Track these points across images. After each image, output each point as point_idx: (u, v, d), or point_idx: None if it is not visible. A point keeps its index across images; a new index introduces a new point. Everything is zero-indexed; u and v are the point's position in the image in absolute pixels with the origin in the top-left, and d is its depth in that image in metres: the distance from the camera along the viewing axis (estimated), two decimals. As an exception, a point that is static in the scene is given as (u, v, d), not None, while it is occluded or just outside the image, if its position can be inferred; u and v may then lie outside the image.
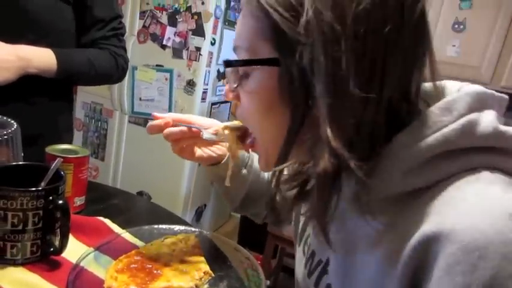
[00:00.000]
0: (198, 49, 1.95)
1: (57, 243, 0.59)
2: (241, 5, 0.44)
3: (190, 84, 2.00)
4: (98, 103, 2.20)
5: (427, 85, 0.43)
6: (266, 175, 0.71)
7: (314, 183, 0.40)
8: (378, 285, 0.39)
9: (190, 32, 1.95)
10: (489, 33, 1.92)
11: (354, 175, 0.37)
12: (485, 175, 0.35)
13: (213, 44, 1.99)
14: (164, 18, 1.99)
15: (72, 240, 0.63)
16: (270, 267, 1.97)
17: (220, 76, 2.16)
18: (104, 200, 0.85)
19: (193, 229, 0.71)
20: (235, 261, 0.63)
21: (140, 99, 2.08)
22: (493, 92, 0.40)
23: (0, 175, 0.58)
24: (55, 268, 0.58)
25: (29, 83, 0.84)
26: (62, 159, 0.64)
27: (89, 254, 0.58)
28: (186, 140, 0.64)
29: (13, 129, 0.68)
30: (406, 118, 0.39)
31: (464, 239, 0.31)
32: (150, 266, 0.59)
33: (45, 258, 0.59)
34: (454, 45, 2.00)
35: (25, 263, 0.57)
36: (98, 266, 0.57)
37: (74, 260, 0.56)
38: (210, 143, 0.66)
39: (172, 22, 1.98)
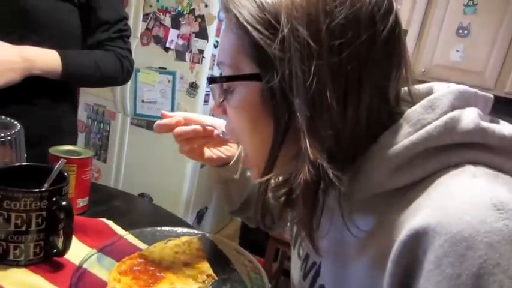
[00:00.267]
0: (201, 52, 1.96)
1: (60, 244, 0.59)
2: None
3: (193, 86, 2.00)
4: (101, 105, 2.20)
5: (416, 88, 0.45)
6: None
7: (299, 192, 0.41)
8: (370, 285, 0.40)
9: (194, 35, 1.96)
10: (493, 39, 1.92)
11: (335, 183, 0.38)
12: (469, 169, 0.36)
13: (216, 46, 1.99)
14: (167, 21, 1.99)
15: (75, 241, 0.62)
16: (271, 270, 1.96)
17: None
18: (106, 202, 0.84)
19: (196, 231, 0.70)
20: (238, 264, 0.63)
21: (143, 101, 2.08)
22: (476, 90, 0.42)
23: (4, 176, 0.58)
24: (58, 270, 0.58)
25: (33, 85, 0.84)
26: (65, 160, 0.64)
27: (92, 255, 0.58)
28: (199, 140, 0.63)
29: (16, 130, 0.68)
30: (387, 121, 0.41)
31: (451, 230, 0.32)
32: (153, 268, 0.59)
33: (48, 260, 0.59)
34: (458, 50, 2.00)
35: (28, 265, 0.57)
36: (100, 268, 0.57)
37: (76, 262, 0.56)
38: (219, 143, 0.65)
39: (176, 24, 1.98)
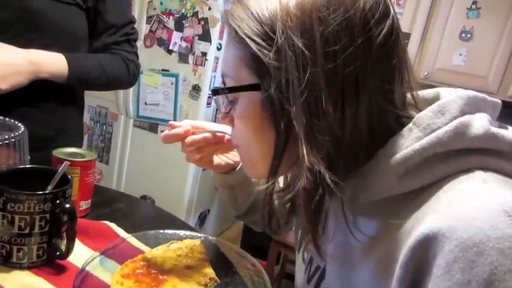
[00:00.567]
0: (204, 54, 1.96)
1: (63, 247, 0.59)
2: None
3: (196, 89, 2.00)
4: (103, 107, 2.21)
5: (421, 93, 0.45)
6: None
7: (301, 199, 0.41)
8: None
9: (197, 37, 1.96)
10: (496, 43, 1.92)
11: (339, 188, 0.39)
12: (479, 174, 0.36)
13: (219, 49, 1.99)
14: (171, 23, 2.00)
15: (78, 244, 0.62)
16: (273, 273, 1.95)
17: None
18: (109, 204, 0.85)
19: (199, 234, 0.70)
20: (241, 267, 0.63)
21: (145, 103, 2.09)
22: (485, 96, 0.42)
23: (7, 178, 0.58)
24: (61, 272, 0.58)
25: (39, 88, 0.85)
26: (69, 163, 0.64)
27: (95, 258, 0.58)
28: (209, 148, 0.62)
29: (20, 132, 0.69)
30: (394, 125, 0.41)
31: (461, 236, 0.31)
32: (156, 271, 0.59)
33: (51, 262, 0.59)
34: (461, 54, 2.00)
35: (31, 267, 0.57)
36: (103, 271, 0.57)
37: (79, 264, 0.56)
38: (227, 149, 0.66)
39: (179, 27, 1.99)
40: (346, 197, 0.40)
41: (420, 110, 0.42)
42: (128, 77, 1.02)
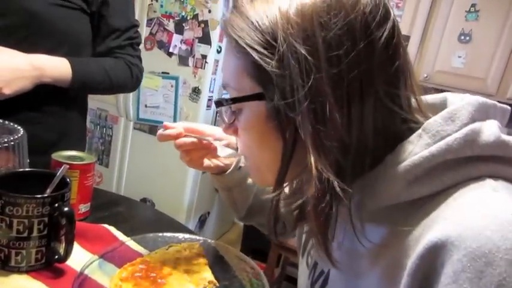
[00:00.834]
0: (204, 57, 1.96)
1: (61, 250, 0.59)
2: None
3: (196, 91, 2.01)
4: (103, 109, 2.21)
5: (428, 98, 0.45)
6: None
7: (310, 204, 0.41)
8: None
9: (197, 40, 1.97)
10: (495, 45, 1.92)
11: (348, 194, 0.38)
12: (489, 183, 0.36)
13: (219, 52, 2.00)
14: (171, 26, 2.00)
15: (76, 247, 0.62)
16: (273, 276, 1.95)
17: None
18: (108, 207, 0.85)
19: (197, 237, 0.70)
20: (240, 270, 0.63)
21: (146, 106, 2.09)
22: (495, 102, 0.41)
23: (6, 181, 0.58)
24: (59, 276, 0.58)
25: (43, 92, 0.85)
26: (67, 166, 0.64)
27: (94, 261, 0.58)
28: (198, 151, 0.66)
29: (19, 135, 0.69)
30: (402, 130, 0.41)
31: (470, 245, 0.31)
32: (155, 274, 0.58)
33: (49, 266, 0.59)
34: (459, 56, 2.00)
35: (29, 271, 0.57)
36: (102, 274, 0.57)
37: (78, 268, 0.56)
38: (216, 154, 0.67)
39: (179, 30, 1.99)
40: (354, 204, 0.40)
41: (425, 114, 0.42)
42: (132, 80, 1.02)
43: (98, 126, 2.25)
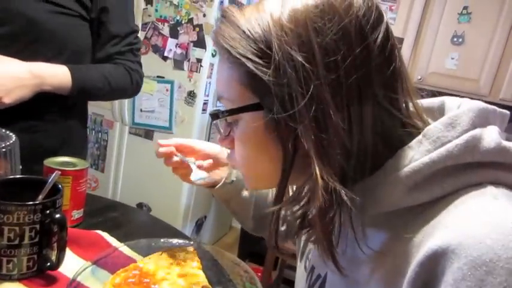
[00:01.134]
0: (199, 61, 1.97)
1: (53, 257, 0.58)
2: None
3: (191, 95, 2.01)
4: (99, 114, 2.21)
5: (425, 101, 0.45)
6: (270, 196, 0.71)
7: (315, 215, 0.40)
8: None
9: (192, 44, 1.97)
10: (487, 47, 1.94)
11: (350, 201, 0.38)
12: (490, 190, 0.36)
13: (214, 55, 2.00)
14: (166, 30, 2.01)
15: (69, 254, 0.62)
16: (270, 279, 1.95)
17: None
18: (102, 213, 0.84)
19: (191, 242, 0.70)
20: (234, 274, 0.63)
21: (141, 110, 2.09)
22: (495, 107, 0.41)
23: (-2, 188, 0.58)
24: (52, 283, 0.57)
25: (42, 100, 0.84)
26: (59, 172, 0.64)
27: (86, 268, 0.57)
28: (184, 169, 0.70)
29: (11, 141, 0.68)
30: (402, 134, 0.40)
31: (471, 253, 0.31)
32: (148, 280, 0.58)
33: (41, 273, 0.58)
34: (453, 58, 2.02)
35: (21, 279, 0.57)
36: (95, 281, 0.56)
37: (70, 275, 0.56)
38: (207, 169, 0.70)
39: (174, 34, 2.00)
40: (355, 210, 0.40)
41: (423, 119, 0.42)
42: (132, 86, 1.01)
43: (93, 131, 2.24)
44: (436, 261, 0.33)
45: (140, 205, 2.13)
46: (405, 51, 2.09)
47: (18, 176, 0.66)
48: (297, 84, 0.37)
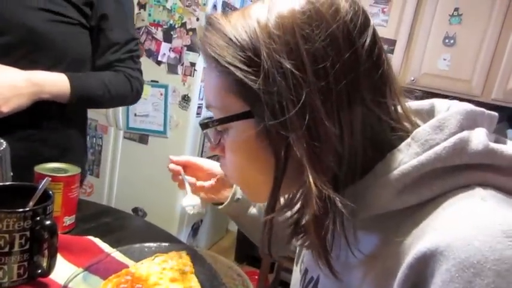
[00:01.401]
0: (193, 64, 1.97)
1: (44, 264, 0.58)
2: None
3: (185, 99, 2.01)
4: (93, 119, 2.20)
5: (414, 104, 0.45)
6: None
7: (309, 222, 0.40)
8: None
9: (185, 48, 1.97)
10: (479, 47, 1.96)
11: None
12: (479, 192, 0.36)
13: (205, 63, 2.00)
14: (159, 34, 2.01)
15: (60, 260, 0.62)
16: (267, 282, 1.94)
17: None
18: (95, 219, 0.84)
19: (184, 246, 0.70)
20: (227, 278, 0.63)
21: (135, 114, 2.08)
22: (483, 109, 0.41)
23: (-12, 196, 0.57)
24: (43, 290, 0.57)
25: (41, 108, 0.84)
26: (50, 179, 0.64)
27: (78, 274, 0.57)
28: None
29: (2, 148, 0.68)
30: (392, 138, 0.41)
31: (459, 255, 0.31)
32: (140, 285, 0.58)
33: (32, 280, 0.58)
34: (445, 59, 2.03)
35: (12, 286, 0.56)
36: (86, 287, 0.56)
37: (62, 281, 0.56)
38: (208, 188, 0.74)
39: (167, 38, 2.00)
40: (346, 213, 0.39)
41: (412, 122, 0.42)
42: (132, 94, 1.00)
43: (88, 136, 2.23)
44: (425, 263, 0.33)
45: (135, 210, 2.13)
46: (398, 53, 2.10)
47: (8, 183, 0.66)
48: (287, 92, 0.37)
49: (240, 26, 0.40)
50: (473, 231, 0.32)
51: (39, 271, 0.58)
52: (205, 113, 2.13)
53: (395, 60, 2.09)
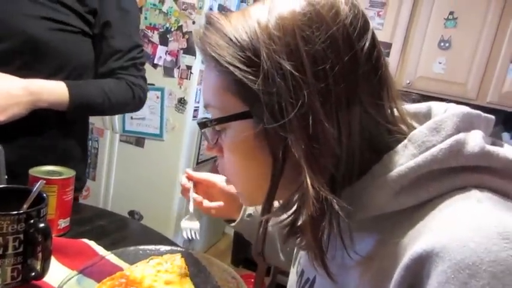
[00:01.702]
0: (189, 67, 1.97)
1: (38, 267, 0.58)
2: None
3: (182, 102, 2.01)
4: (89, 122, 2.20)
5: (411, 107, 0.45)
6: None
7: (306, 223, 0.40)
8: None
9: (182, 51, 1.98)
10: (474, 51, 1.97)
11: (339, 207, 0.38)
12: (475, 193, 0.36)
13: (204, 62, 2.00)
14: (155, 38, 2.01)
15: (55, 263, 0.62)
16: (263, 285, 1.94)
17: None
18: (90, 221, 0.84)
19: (179, 249, 0.70)
20: (222, 281, 0.63)
21: (131, 118, 2.08)
22: (480, 112, 0.41)
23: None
24: (36, 293, 0.57)
25: (42, 116, 0.84)
26: (44, 182, 0.64)
27: (72, 277, 0.57)
28: (196, 204, 0.76)
29: (-3, 151, 0.68)
30: (389, 141, 0.41)
31: (455, 257, 0.31)
32: (134, 288, 0.58)
33: (26, 283, 0.58)
34: (440, 63, 2.05)
35: (5, 289, 0.56)
36: (80, 290, 0.56)
37: (56, 284, 0.56)
38: (216, 210, 0.75)
39: (164, 41, 2.00)
40: (343, 215, 0.39)
41: (409, 125, 0.42)
42: (133, 101, 0.99)
43: (84, 140, 2.23)
44: (421, 265, 0.33)
45: (132, 213, 2.12)
46: (393, 56, 2.12)
47: (2, 186, 0.66)
48: (286, 93, 0.37)
49: (241, 26, 0.40)
50: (469, 233, 0.32)
51: (33, 274, 0.58)
52: (202, 116, 2.13)
53: (390, 63, 2.10)
